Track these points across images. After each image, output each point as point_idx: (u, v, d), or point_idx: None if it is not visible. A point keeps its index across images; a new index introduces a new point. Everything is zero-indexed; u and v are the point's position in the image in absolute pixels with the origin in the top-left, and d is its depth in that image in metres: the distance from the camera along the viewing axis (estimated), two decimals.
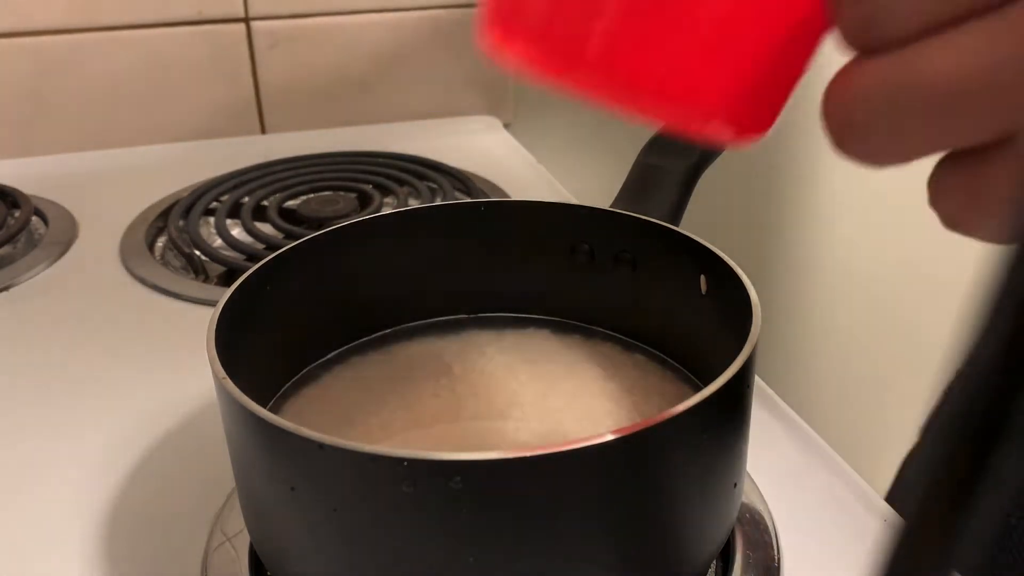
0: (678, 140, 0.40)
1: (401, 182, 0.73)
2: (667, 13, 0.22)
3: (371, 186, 0.72)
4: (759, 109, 0.24)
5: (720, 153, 0.42)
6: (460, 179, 0.74)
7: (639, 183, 0.43)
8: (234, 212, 0.69)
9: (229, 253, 0.63)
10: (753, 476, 0.40)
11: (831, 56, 0.25)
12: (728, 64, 0.23)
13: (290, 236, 0.63)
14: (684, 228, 0.38)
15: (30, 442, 0.44)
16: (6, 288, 0.59)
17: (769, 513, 0.38)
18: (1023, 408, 0.11)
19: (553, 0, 0.23)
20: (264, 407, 0.28)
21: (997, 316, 0.11)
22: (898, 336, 1.15)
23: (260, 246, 0.63)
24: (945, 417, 0.11)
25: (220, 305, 0.34)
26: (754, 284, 0.34)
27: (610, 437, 0.26)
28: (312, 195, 0.72)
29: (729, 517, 0.33)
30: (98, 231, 0.67)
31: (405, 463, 0.26)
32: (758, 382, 0.46)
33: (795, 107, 0.27)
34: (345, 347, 0.43)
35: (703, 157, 0.40)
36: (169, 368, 0.50)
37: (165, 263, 0.62)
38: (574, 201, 0.52)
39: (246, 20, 0.84)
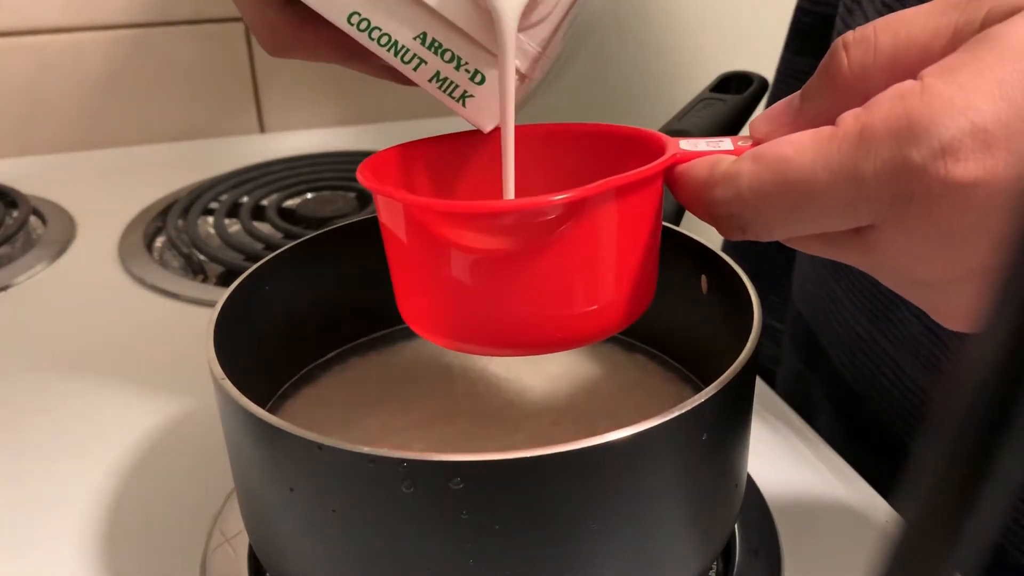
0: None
1: None
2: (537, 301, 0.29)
3: None
4: (632, 308, 0.30)
5: None
6: None
7: None
8: (233, 212, 0.69)
9: (228, 253, 0.63)
10: (754, 476, 0.40)
11: None
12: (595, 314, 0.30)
13: (289, 236, 0.63)
14: (684, 228, 0.38)
15: (28, 442, 0.44)
16: (4, 288, 0.59)
17: (770, 513, 0.38)
18: None
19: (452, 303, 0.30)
20: (263, 407, 0.28)
21: (1000, 315, 0.10)
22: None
23: (259, 246, 0.63)
24: (947, 417, 0.11)
25: (219, 305, 0.34)
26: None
27: (611, 437, 0.26)
28: (311, 195, 0.72)
29: (730, 517, 0.33)
30: (96, 231, 0.66)
31: (404, 464, 0.26)
32: (759, 382, 0.45)
33: None
34: (344, 347, 0.43)
35: None
36: (168, 369, 0.50)
37: (163, 263, 0.62)
38: None
39: None
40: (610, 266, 0.29)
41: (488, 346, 0.30)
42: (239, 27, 0.84)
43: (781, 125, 0.28)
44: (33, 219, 0.68)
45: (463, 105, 0.32)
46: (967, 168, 0.22)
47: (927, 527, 0.12)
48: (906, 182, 0.22)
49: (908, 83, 0.23)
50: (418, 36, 0.30)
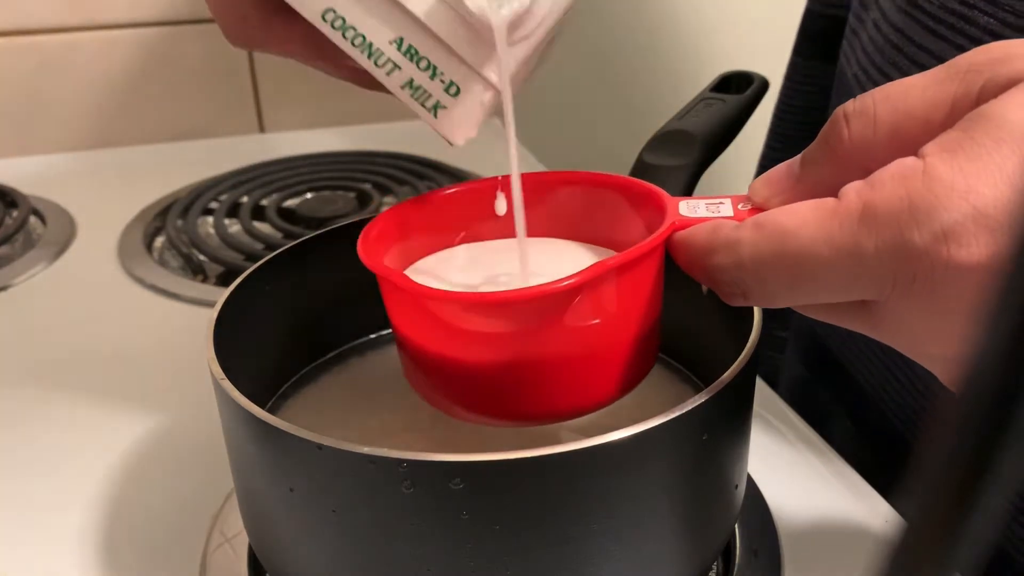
0: (679, 139, 0.40)
1: (401, 182, 0.73)
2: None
3: (370, 185, 0.72)
4: (635, 372, 0.31)
5: (721, 152, 0.42)
6: (459, 178, 0.74)
7: None
8: (233, 212, 0.69)
9: (227, 253, 0.63)
10: (754, 476, 0.40)
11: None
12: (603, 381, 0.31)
13: (289, 236, 0.63)
14: None
15: (28, 443, 0.44)
16: (4, 288, 0.59)
17: (770, 513, 0.38)
18: None
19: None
20: (263, 407, 0.28)
21: (1000, 315, 0.10)
22: None
23: (259, 246, 0.63)
24: (947, 417, 0.11)
25: (219, 305, 0.34)
26: None
27: (611, 437, 0.26)
28: (311, 194, 0.72)
29: (730, 518, 0.33)
30: (96, 231, 0.66)
31: (404, 464, 0.26)
32: (760, 383, 0.45)
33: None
34: (344, 347, 0.42)
35: (705, 156, 0.40)
36: (167, 369, 0.50)
37: (163, 263, 0.62)
38: None
39: None
40: (611, 336, 0.29)
41: (486, 417, 0.31)
42: None
43: (781, 191, 0.28)
44: (33, 219, 0.68)
45: (434, 116, 0.31)
46: (970, 252, 0.22)
47: (927, 527, 0.12)
48: (907, 264, 0.23)
49: (910, 162, 0.23)
50: (394, 41, 0.29)
